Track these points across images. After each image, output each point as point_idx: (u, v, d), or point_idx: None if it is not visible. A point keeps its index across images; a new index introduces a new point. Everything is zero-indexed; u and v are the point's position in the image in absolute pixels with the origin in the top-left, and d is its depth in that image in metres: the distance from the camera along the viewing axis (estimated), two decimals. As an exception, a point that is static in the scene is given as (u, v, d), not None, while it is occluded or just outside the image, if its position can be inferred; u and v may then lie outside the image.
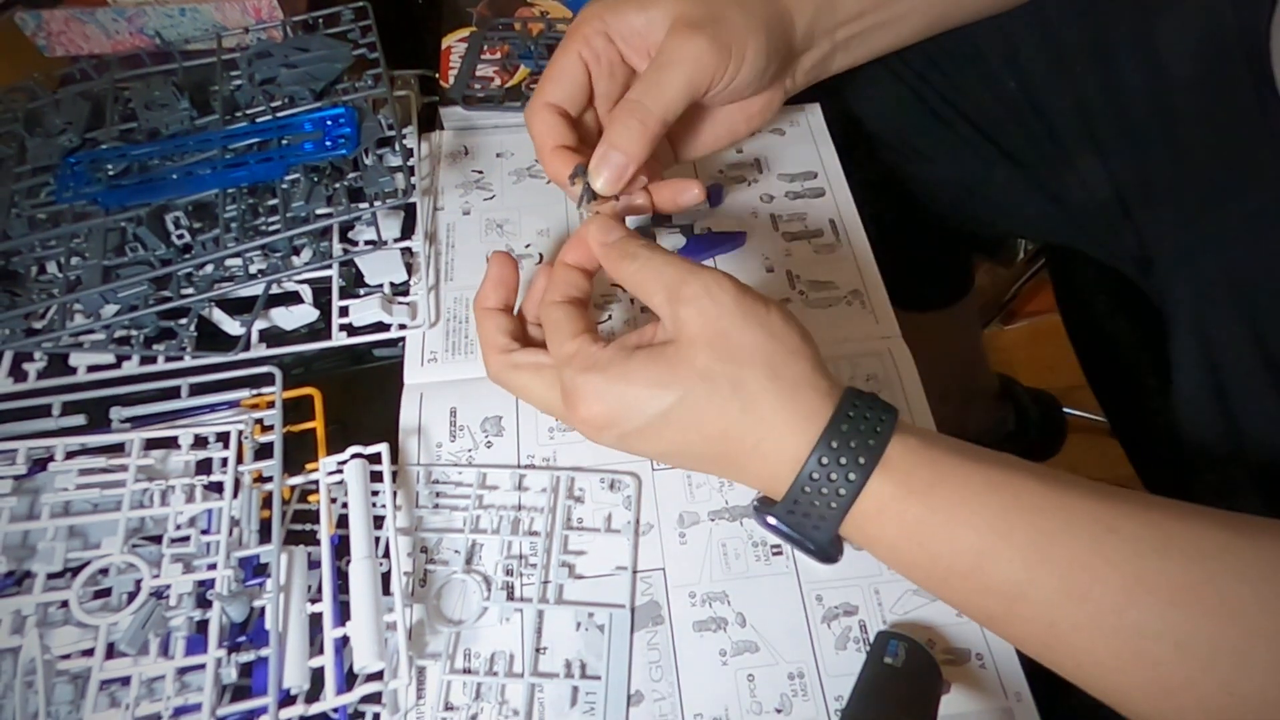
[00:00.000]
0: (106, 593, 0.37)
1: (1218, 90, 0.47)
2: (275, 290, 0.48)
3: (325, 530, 0.38)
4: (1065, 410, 1.13)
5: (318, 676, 0.35)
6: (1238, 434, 0.45)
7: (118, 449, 0.41)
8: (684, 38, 0.37)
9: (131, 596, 0.36)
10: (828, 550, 0.33)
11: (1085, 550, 0.29)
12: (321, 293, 0.48)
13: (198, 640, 0.35)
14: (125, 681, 0.34)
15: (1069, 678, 0.31)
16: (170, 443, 0.42)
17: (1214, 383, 0.46)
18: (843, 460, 0.31)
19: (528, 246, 0.51)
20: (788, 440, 0.32)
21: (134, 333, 0.46)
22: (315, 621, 0.36)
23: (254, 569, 0.38)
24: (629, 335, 0.35)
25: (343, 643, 0.36)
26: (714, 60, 0.38)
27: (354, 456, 0.40)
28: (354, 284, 0.49)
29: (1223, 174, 0.48)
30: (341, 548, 0.38)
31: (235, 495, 0.39)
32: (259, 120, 0.50)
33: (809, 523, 0.32)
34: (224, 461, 0.41)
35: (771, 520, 0.33)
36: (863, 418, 0.32)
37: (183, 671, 0.35)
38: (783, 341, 0.33)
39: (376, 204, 0.47)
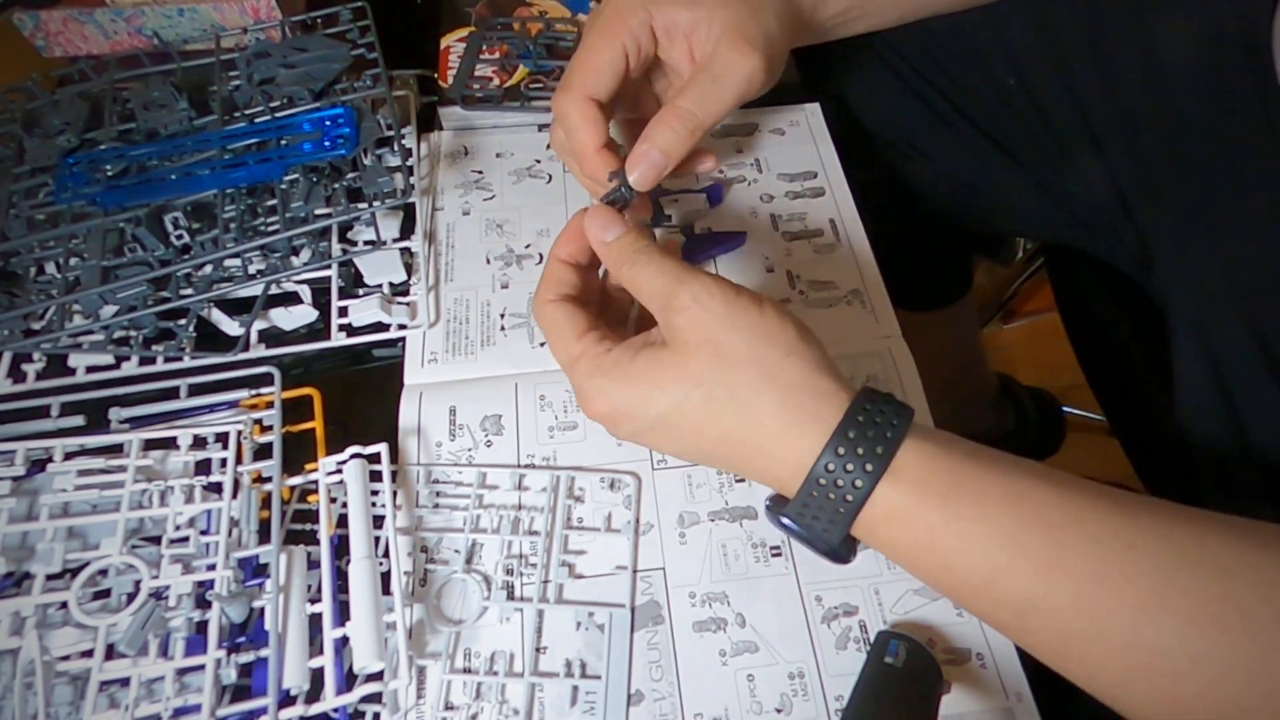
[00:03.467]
0: (106, 594, 0.37)
1: (1218, 87, 0.47)
2: (274, 291, 0.47)
3: (325, 530, 0.38)
4: (1064, 409, 1.13)
5: (317, 677, 0.35)
6: (1240, 433, 0.45)
7: (116, 450, 0.41)
8: (742, 55, 0.37)
9: (131, 597, 0.36)
10: (839, 551, 0.33)
11: (1102, 565, 0.29)
12: (320, 293, 0.48)
13: (197, 641, 0.35)
14: (125, 682, 0.34)
15: (1081, 685, 0.31)
16: (169, 443, 0.42)
17: (1216, 381, 0.46)
18: (849, 467, 0.31)
19: (528, 246, 0.51)
20: (791, 444, 0.32)
21: (133, 333, 0.46)
22: (315, 622, 0.36)
23: (253, 569, 0.38)
24: (635, 337, 0.36)
25: (342, 643, 0.36)
26: (764, 81, 0.38)
27: (353, 456, 0.40)
28: (353, 284, 0.49)
29: (1224, 172, 0.48)
30: (341, 548, 0.38)
31: (234, 496, 0.39)
32: (258, 120, 0.50)
33: (819, 525, 0.32)
34: (223, 462, 0.41)
35: (785, 520, 0.33)
36: (873, 422, 0.31)
37: (182, 672, 0.35)
38: (777, 344, 0.32)
39: (375, 204, 0.47)
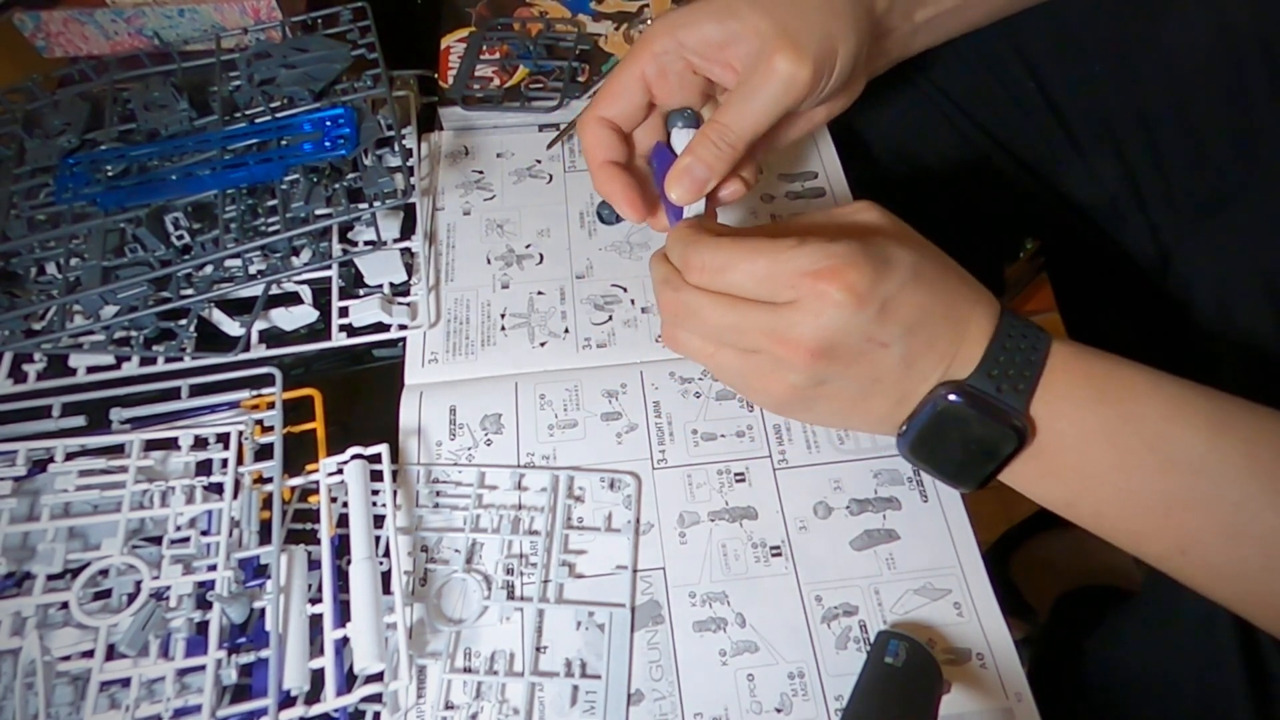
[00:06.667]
0: (106, 594, 0.37)
1: (1233, 84, 0.47)
2: (275, 291, 0.48)
3: (325, 530, 0.38)
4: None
5: (318, 677, 0.35)
6: None
7: (118, 450, 0.41)
8: (779, 62, 0.36)
9: (131, 598, 0.36)
10: (1021, 419, 0.34)
11: (1265, 429, 0.30)
12: (321, 293, 0.48)
13: (198, 641, 0.35)
14: (125, 683, 0.34)
15: (1244, 590, 0.31)
16: (170, 444, 0.42)
17: (1247, 374, 0.45)
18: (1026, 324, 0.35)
19: (528, 246, 0.51)
20: (982, 294, 0.36)
21: (134, 334, 0.46)
22: (315, 622, 0.36)
23: (254, 570, 0.38)
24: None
25: (343, 643, 0.36)
26: (809, 81, 0.37)
27: (354, 457, 0.40)
28: (354, 284, 0.49)
29: (1243, 167, 0.47)
30: (342, 548, 0.38)
31: (235, 496, 0.39)
32: (258, 121, 0.50)
33: (1013, 378, 0.34)
34: (224, 462, 0.41)
35: (971, 386, 0.34)
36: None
37: (183, 673, 0.35)
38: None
39: (376, 204, 0.47)
